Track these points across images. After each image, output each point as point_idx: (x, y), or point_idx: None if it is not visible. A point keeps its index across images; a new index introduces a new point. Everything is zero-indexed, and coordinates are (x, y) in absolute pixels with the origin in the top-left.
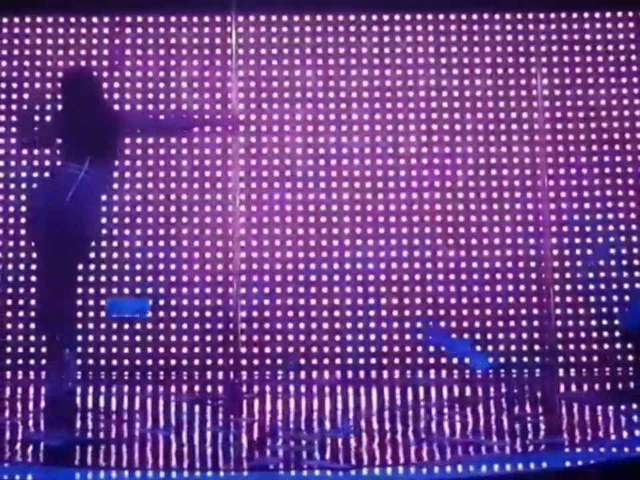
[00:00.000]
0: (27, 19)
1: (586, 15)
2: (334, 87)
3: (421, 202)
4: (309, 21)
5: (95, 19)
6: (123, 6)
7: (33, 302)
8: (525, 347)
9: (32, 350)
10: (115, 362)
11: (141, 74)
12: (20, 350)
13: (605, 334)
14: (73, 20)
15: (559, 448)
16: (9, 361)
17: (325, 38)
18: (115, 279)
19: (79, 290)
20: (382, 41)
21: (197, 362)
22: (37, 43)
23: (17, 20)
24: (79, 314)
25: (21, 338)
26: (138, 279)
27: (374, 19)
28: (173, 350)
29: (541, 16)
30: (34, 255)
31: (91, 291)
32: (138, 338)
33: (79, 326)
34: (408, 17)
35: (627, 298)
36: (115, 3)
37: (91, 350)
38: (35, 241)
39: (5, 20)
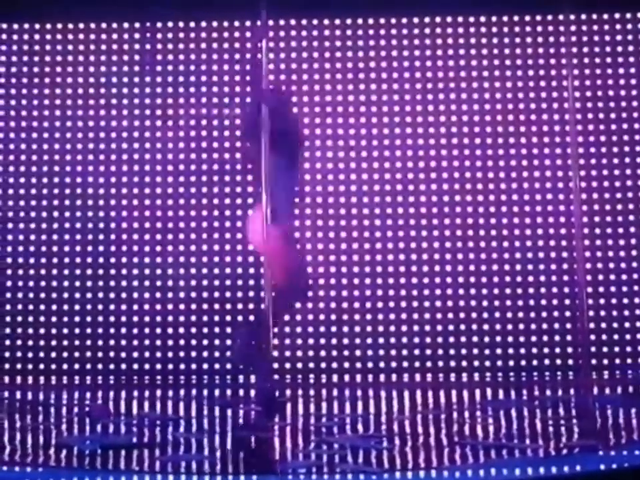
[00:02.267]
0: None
1: (617, 15)
2: (364, 89)
3: (452, 204)
4: (339, 24)
5: (125, 25)
6: (153, 13)
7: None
8: (557, 349)
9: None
10: (147, 366)
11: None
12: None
13: (638, 336)
14: (104, 26)
15: (592, 451)
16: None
17: (355, 41)
18: (146, 283)
19: None
20: (412, 44)
21: (228, 366)
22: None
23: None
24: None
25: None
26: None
27: (403, 22)
28: (205, 354)
29: (572, 17)
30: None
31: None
32: (170, 342)
33: None
34: (438, 20)
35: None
36: (148, 11)
37: (123, 355)
38: None
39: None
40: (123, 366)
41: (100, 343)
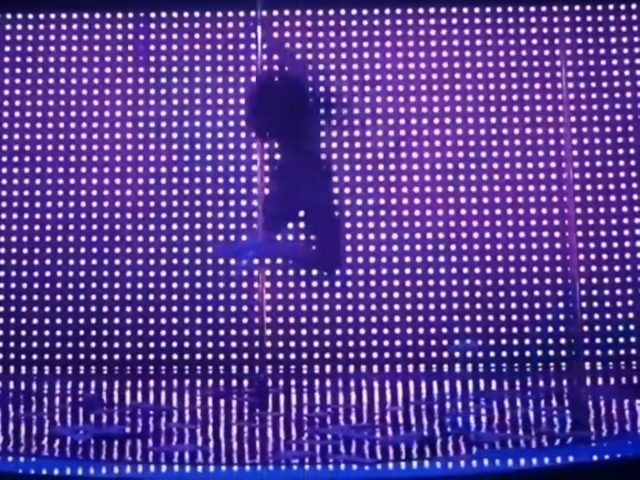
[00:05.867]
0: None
1: (611, 6)
2: (358, 80)
3: (444, 195)
4: (333, 15)
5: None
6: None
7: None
8: (550, 340)
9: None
10: (140, 356)
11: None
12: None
13: (631, 327)
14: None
15: (585, 442)
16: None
17: (350, 33)
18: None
19: None
20: (406, 35)
21: (222, 356)
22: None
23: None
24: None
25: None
26: (163, 274)
27: (397, 13)
28: (198, 344)
29: (565, 8)
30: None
31: (117, 285)
32: (163, 332)
33: None
34: (432, 10)
35: None
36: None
37: (116, 345)
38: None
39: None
40: (116, 356)
41: (93, 332)
